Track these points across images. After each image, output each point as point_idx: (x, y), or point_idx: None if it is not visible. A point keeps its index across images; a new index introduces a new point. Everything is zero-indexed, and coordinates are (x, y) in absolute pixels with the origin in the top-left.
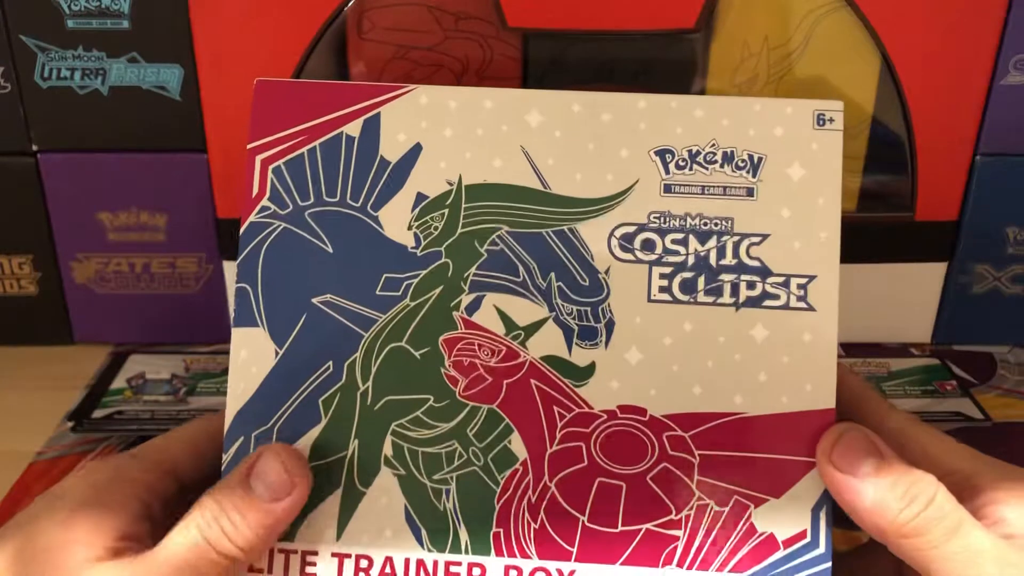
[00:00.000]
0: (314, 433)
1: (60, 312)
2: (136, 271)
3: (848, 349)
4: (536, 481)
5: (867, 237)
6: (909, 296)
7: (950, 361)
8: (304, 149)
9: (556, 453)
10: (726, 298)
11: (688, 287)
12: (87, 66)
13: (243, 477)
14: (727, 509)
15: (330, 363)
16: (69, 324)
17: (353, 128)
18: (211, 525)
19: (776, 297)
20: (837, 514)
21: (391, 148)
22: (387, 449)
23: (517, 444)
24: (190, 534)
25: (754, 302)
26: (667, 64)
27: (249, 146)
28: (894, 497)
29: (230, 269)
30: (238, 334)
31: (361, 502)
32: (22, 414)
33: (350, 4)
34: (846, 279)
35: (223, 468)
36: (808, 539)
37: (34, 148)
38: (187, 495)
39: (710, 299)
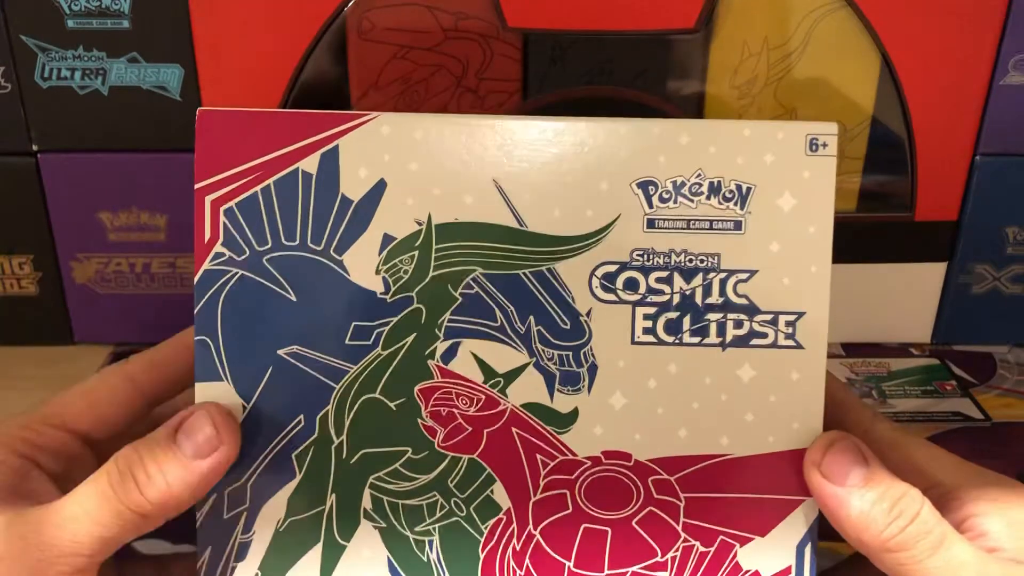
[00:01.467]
0: (289, 488)
1: (60, 312)
2: (136, 271)
3: (848, 349)
4: (520, 529)
5: (867, 237)
6: (909, 296)
7: (950, 361)
8: (257, 188)
9: (540, 501)
10: (712, 338)
11: (673, 328)
12: (87, 66)
13: (171, 431)
14: (712, 549)
15: (301, 417)
16: (69, 324)
17: (310, 164)
18: (123, 474)
19: (764, 336)
20: (822, 527)
21: (352, 185)
22: (366, 502)
23: (500, 493)
24: (98, 483)
25: (741, 341)
26: (667, 64)
27: (196, 186)
28: (880, 511)
29: None
30: (202, 388)
31: (343, 555)
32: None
33: (350, 4)
34: (846, 279)
35: (198, 525)
36: (793, 575)
37: (34, 148)
38: (97, 450)
39: (696, 340)
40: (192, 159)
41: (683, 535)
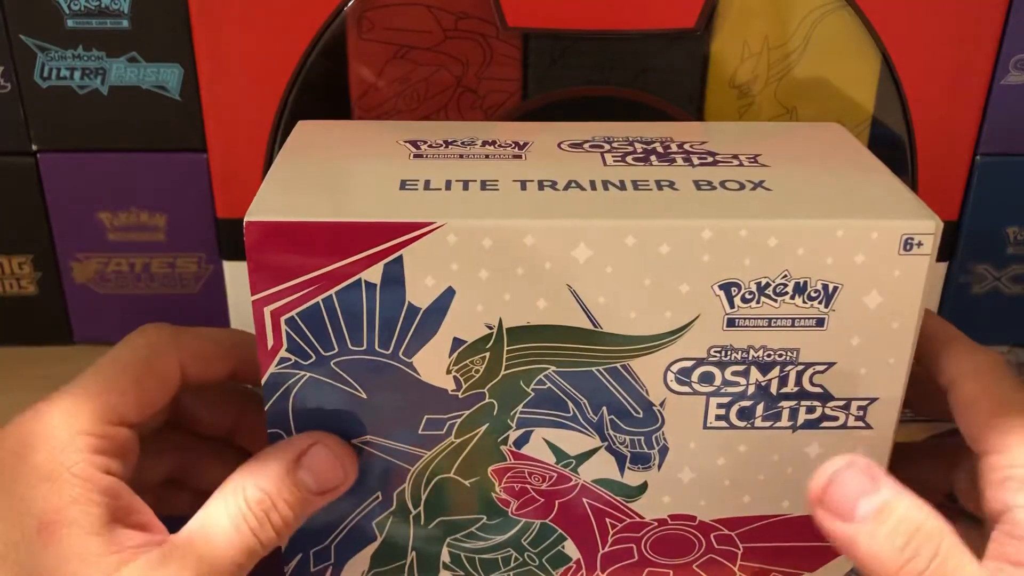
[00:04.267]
0: (371, 548)
1: (60, 312)
2: (136, 271)
3: None
4: (589, 574)
5: None
6: None
7: None
8: (319, 299)
9: (608, 553)
10: (784, 422)
11: (746, 414)
12: (87, 66)
13: (290, 466)
14: None
15: (379, 494)
16: (69, 324)
17: (372, 274)
18: (264, 525)
19: (835, 419)
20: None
21: (419, 294)
22: (444, 557)
23: (570, 548)
24: (240, 534)
25: (812, 424)
26: (667, 64)
27: (253, 297)
28: (893, 548)
29: (230, 269)
30: None
31: None
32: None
33: (350, 4)
34: None
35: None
36: None
37: (34, 148)
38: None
39: (767, 424)
40: (192, 159)
41: (739, 575)
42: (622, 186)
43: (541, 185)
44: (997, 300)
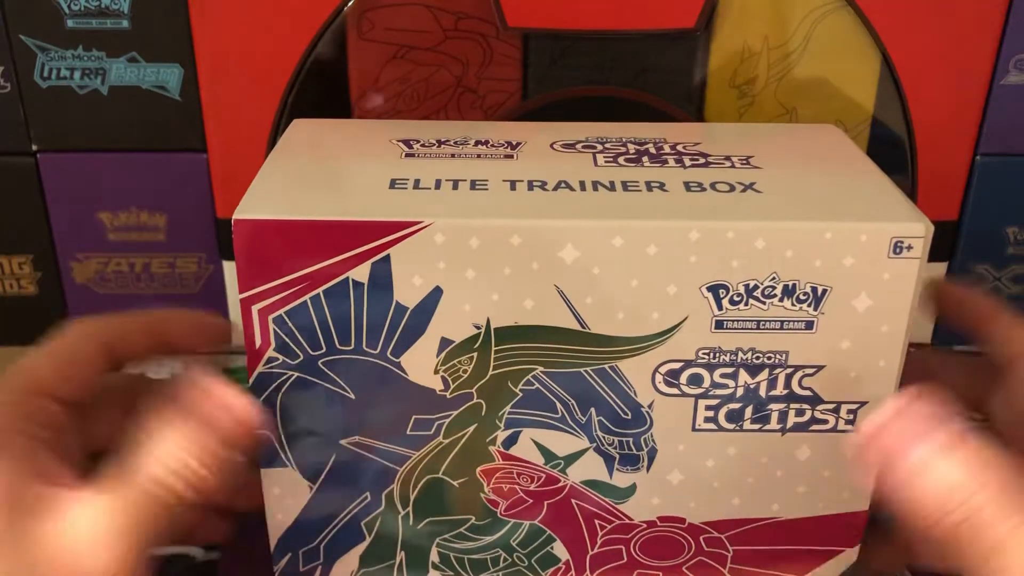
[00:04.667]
0: (360, 548)
1: (60, 312)
2: (136, 271)
3: None
4: (578, 575)
5: None
6: None
7: None
8: (306, 297)
9: (597, 554)
10: (773, 424)
11: (734, 417)
12: (87, 66)
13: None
14: None
15: (367, 494)
16: None
17: (360, 273)
18: (160, 443)
19: (824, 422)
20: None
21: (407, 293)
22: (434, 557)
23: (560, 549)
24: (144, 463)
25: (801, 427)
26: (667, 64)
27: (241, 296)
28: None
29: (230, 269)
30: (268, 474)
31: None
32: None
33: (350, 4)
34: None
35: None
36: None
37: (34, 148)
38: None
39: (756, 427)
40: (192, 159)
41: None
42: (612, 187)
43: (531, 185)
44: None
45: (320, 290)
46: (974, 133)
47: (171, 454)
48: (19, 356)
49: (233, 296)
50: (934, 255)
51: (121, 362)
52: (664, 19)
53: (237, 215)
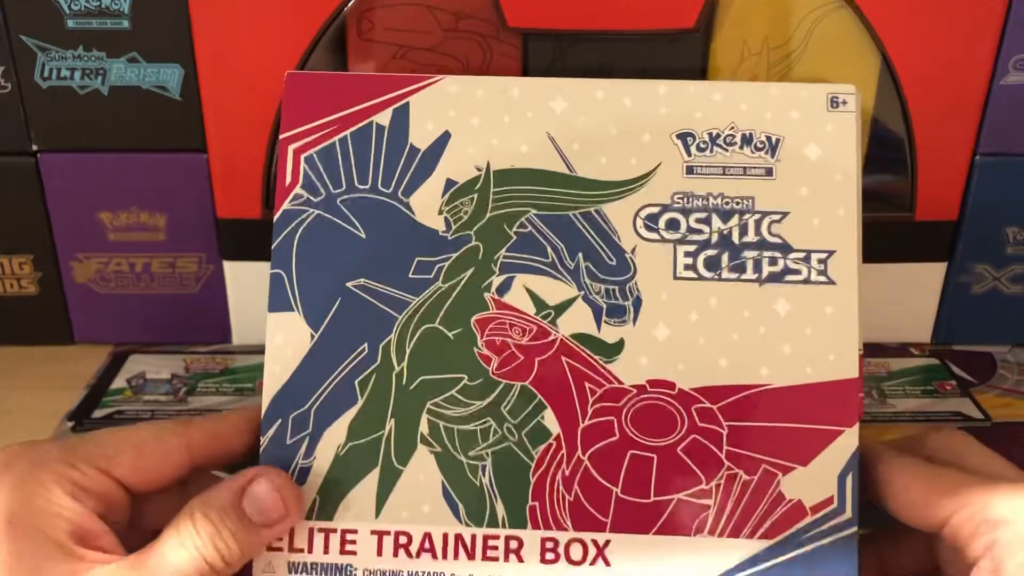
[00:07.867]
0: (351, 414)
1: (60, 312)
2: (136, 271)
3: None
4: (570, 455)
5: (867, 237)
6: (909, 296)
7: (950, 361)
8: (336, 139)
9: (588, 428)
10: (749, 274)
11: (712, 264)
12: (87, 66)
13: (236, 496)
14: (756, 478)
15: (365, 345)
16: (69, 324)
17: (383, 118)
18: (207, 545)
19: (797, 272)
20: (863, 509)
21: (420, 136)
22: (423, 427)
23: (550, 420)
24: (187, 551)
25: (776, 277)
26: (667, 64)
27: (281, 136)
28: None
29: (230, 269)
30: (273, 319)
31: (399, 480)
32: (22, 414)
33: (350, 4)
34: None
35: (261, 450)
36: (835, 505)
37: (34, 148)
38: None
39: (734, 275)
40: (192, 159)
41: (726, 463)
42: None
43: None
44: (997, 300)
45: (348, 132)
46: (973, 133)
47: (202, 549)
48: (19, 356)
49: (233, 296)
50: (934, 255)
51: (206, 468)
52: (664, 19)
53: (289, 72)
